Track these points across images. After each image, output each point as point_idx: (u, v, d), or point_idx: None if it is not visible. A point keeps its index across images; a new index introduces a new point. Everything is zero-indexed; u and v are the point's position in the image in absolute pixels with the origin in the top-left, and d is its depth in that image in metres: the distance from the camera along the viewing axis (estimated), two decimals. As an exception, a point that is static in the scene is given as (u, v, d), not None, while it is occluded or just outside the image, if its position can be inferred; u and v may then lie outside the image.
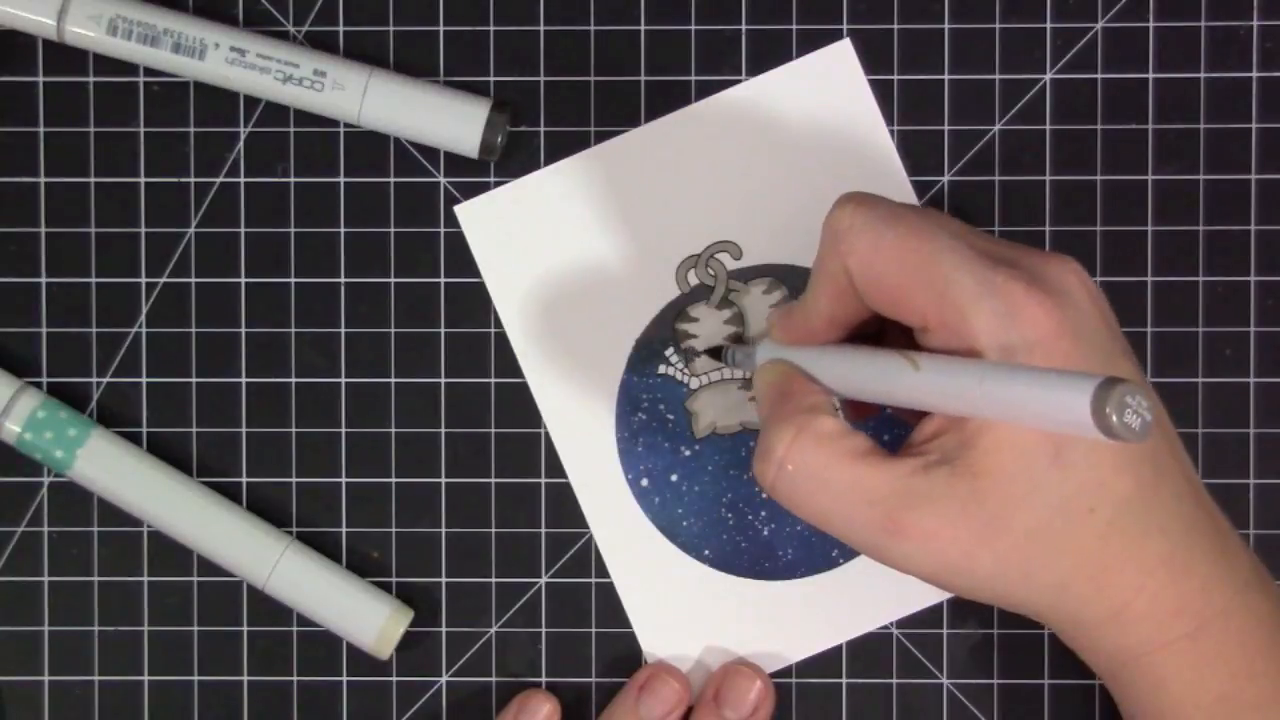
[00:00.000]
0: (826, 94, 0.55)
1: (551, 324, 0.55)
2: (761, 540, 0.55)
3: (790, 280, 0.55)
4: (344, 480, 0.55)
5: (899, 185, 0.54)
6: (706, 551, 0.55)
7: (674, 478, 0.55)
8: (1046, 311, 0.42)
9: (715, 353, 0.54)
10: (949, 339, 0.43)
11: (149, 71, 0.55)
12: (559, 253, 0.55)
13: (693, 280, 0.55)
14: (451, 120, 0.53)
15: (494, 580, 0.55)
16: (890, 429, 0.55)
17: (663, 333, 0.55)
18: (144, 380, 0.55)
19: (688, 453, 0.55)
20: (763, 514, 0.55)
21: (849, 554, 0.55)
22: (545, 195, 0.55)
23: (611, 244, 0.55)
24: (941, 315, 0.43)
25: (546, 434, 0.55)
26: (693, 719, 0.54)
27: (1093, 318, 0.44)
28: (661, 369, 0.55)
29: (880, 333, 0.47)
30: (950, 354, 0.43)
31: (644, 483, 0.55)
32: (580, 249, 0.55)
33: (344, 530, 0.55)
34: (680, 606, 0.55)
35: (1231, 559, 0.45)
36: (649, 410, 0.55)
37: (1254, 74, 0.55)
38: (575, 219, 0.55)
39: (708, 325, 0.55)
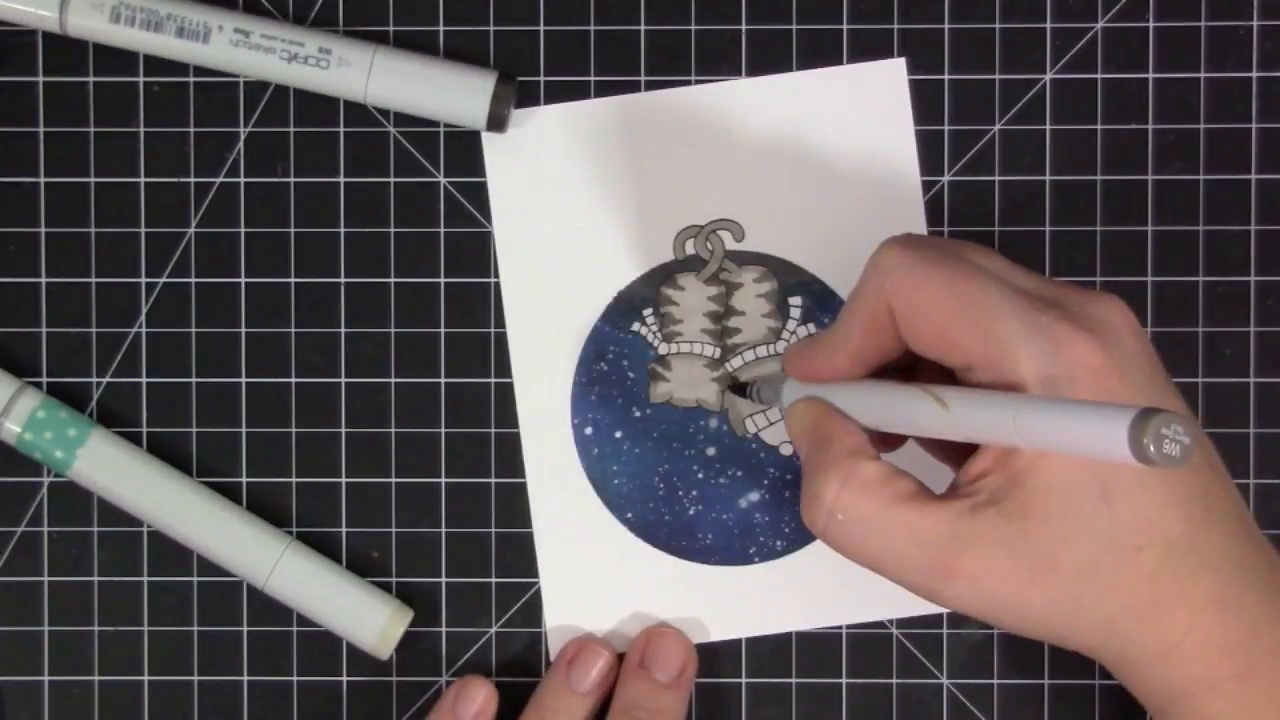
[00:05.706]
0: (868, 106, 0.54)
1: (543, 264, 0.54)
2: (685, 518, 0.55)
3: (782, 275, 0.55)
4: (344, 480, 0.55)
5: (912, 210, 0.54)
6: (629, 514, 0.55)
7: (618, 434, 0.55)
8: (1092, 350, 0.42)
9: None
10: (992, 377, 0.43)
11: (151, 63, 0.55)
12: (570, 194, 0.54)
13: (689, 250, 0.55)
14: (458, 94, 0.53)
15: (494, 580, 0.55)
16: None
17: (646, 291, 0.55)
18: (144, 380, 0.55)
19: (638, 414, 0.55)
20: (693, 493, 0.55)
21: (765, 556, 0.55)
22: (578, 129, 0.54)
23: (622, 195, 0.54)
24: (986, 355, 0.43)
25: (546, 434, 0.55)
26: (621, 685, 0.54)
27: (1138, 356, 0.44)
28: (636, 326, 0.55)
29: (912, 368, 0.47)
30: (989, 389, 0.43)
31: (588, 430, 0.55)
32: (591, 194, 0.54)
33: (344, 530, 0.55)
34: (591, 564, 0.55)
35: None
36: (612, 363, 0.55)
37: (1254, 74, 0.55)
38: (596, 161, 0.54)
39: (691, 296, 0.55)
